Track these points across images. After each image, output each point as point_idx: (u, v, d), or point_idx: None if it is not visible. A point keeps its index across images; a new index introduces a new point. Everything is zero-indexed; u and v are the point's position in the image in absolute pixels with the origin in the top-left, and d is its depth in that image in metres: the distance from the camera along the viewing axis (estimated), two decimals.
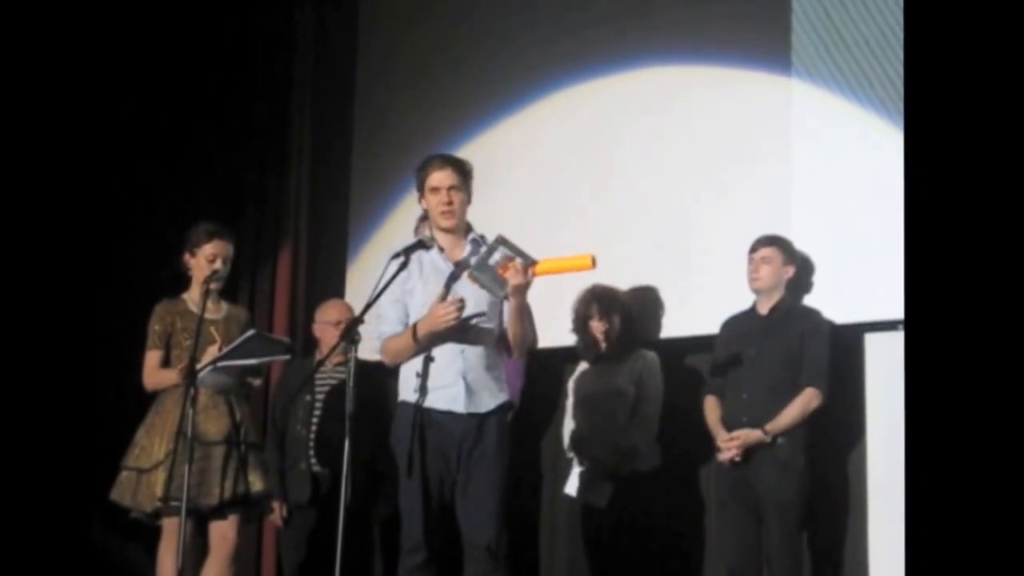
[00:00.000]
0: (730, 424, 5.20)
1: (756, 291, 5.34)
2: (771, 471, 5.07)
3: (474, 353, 4.49)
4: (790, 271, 5.32)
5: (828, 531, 5.35)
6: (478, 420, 4.48)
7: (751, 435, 5.11)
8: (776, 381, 5.15)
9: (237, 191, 7.02)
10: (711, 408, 5.33)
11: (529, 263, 4.29)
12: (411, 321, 4.52)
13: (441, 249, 4.57)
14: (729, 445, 5.13)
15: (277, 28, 7.17)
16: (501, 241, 4.32)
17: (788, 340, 5.18)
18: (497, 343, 4.55)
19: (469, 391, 4.47)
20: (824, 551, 5.36)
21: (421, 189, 4.62)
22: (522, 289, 4.34)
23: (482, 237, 4.67)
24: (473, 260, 4.35)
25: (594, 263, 4.30)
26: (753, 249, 5.31)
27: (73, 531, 6.16)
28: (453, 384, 4.46)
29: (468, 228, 4.66)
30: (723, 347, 5.38)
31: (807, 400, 5.12)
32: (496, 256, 4.31)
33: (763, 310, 5.32)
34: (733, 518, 5.20)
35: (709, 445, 5.47)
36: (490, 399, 4.53)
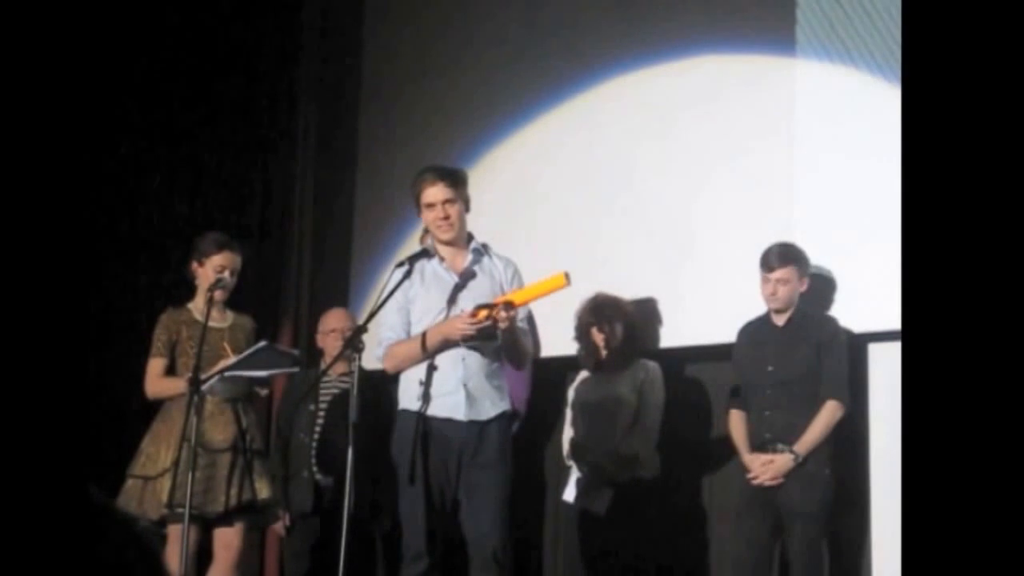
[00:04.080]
0: (755, 441, 5.19)
1: (773, 310, 5.30)
2: (795, 482, 5.06)
3: (475, 360, 4.53)
4: (804, 285, 5.26)
5: (832, 540, 5.34)
6: (479, 428, 4.51)
7: (783, 461, 5.08)
8: (796, 396, 5.13)
9: (241, 198, 7.02)
10: (737, 424, 5.29)
11: (506, 304, 4.40)
12: (413, 328, 4.55)
13: (442, 259, 4.60)
14: (762, 471, 5.11)
15: (282, 19, 7.17)
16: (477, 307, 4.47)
17: (805, 353, 5.15)
18: (498, 353, 4.59)
19: (470, 398, 4.50)
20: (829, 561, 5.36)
21: (417, 204, 4.66)
22: (510, 329, 4.44)
23: (484, 247, 4.70)
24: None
25: (568, 280, 4.41)
26: (768, 268, 5.21)
27: (78, 539, 6.14)
28: (454, 392, 4.49)
29: (469, 237, 4.69)
30: (741, 359, 5.34)
31: (830, 413, 5.09)
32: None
33: (779, 321, 5.27)
34: (747, 531, 5.18)
35: (711, 453, 5.50)
36: (491, 407, 4.56)
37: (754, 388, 5.23)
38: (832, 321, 5.27)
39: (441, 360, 4.50)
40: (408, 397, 4.55)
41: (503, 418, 4.59)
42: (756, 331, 5.33)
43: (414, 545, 4.48)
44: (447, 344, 4.46)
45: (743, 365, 5.33)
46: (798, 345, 5.19)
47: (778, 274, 5.20)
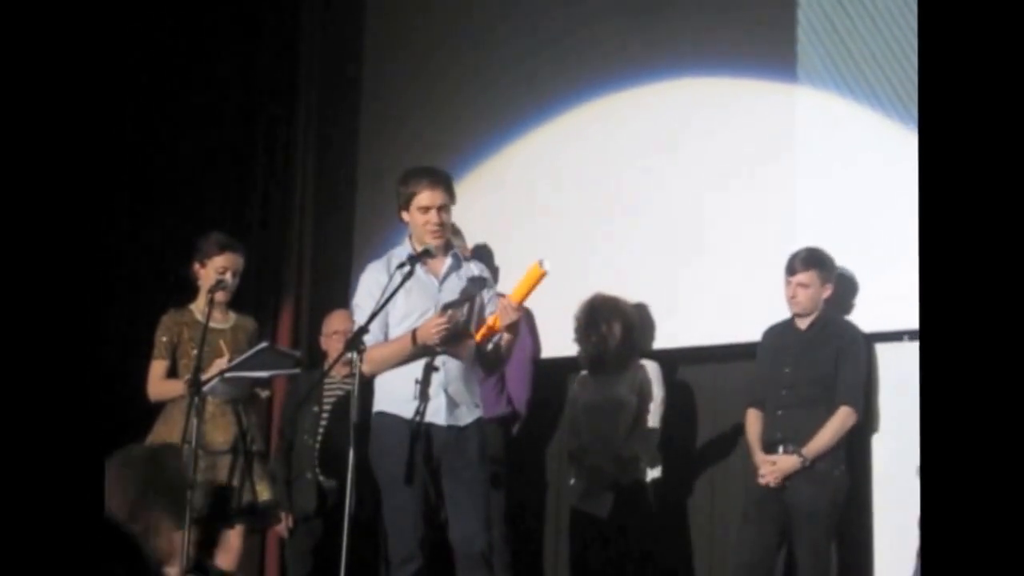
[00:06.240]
0: (765, 440, 5.21)
1: (794, 313, 5.30)
2: (805, 482, 5.07)
3: (454, 365, 4.58)
4: (828, 291, 5.24)
5: (839, 542, 5.34)
6: (457, 432, 4.55)
7: (789, 461, 5.09)
8: (810, 399, 5.14)
9: (241, 198, 7.01)
10: (752, 422, 5.30)
11: (513, 302, 4.48)
12: (391, 332, 4.58)
13: (424, 263, 4.62)
14: (768, 471, 5.12)
15: (282, 22, 7.16)
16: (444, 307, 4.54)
17: (824, 358, 5.16)
18: (472, 360, 4.62)
19: (451, 404, 4.56)
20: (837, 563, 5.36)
21: (406, 204, 4.67)
22: (517, 323, 4.53)
23: (458, 253, 4.74)
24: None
25: (541, 266, 4.46)
26: (791, 271, 5.23)
27: (80, 541, 6.15)
28: (435, 396, 4.53)
29: (448, 243, 4.73)
30: (762, 358, 5.35)
31: (842, 420, 5.10)
32: (475, 308, 4.55)
33: (802, 325, 5.27)
34: (753, 532, 5.18)
35: (713, 454, 5.50)
36: (468, 414, 4.62)
37: (770, 388, 5.25)
38: (853, 328, 5.27)
39: (421, 364, 4.52)
40: (388, 400, 4.57)
41: (479, 423, 4.65)
42: (779, 333, 5.34)
43: (404, 547, 4.50)
44: (425, 347, 4.48)
45: (763, 365, 5.33)
46: (818, 350, 5.19)
47: (799, 278, 5.21)
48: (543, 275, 4.46)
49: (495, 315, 4.53)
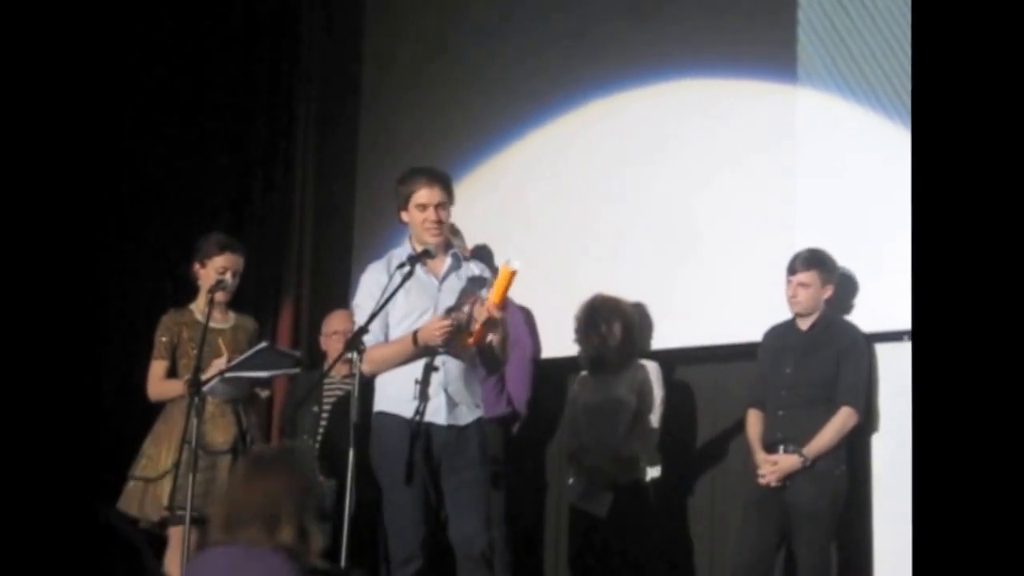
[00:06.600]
0: (766, 440, 5.21)
1: (795, 313, 5.31)
2: (805, 482, 5.08)
3: (454, 365, 4.59)
4: (828, 291, 5.26)
5: (839, 543, 5.34)
6: (457, 432, 4.56)
7: (789, 461, 5.10)
8: (811, 399, 5.15)
9: (241, 199, 7.01)
10: (753, 422, 5.31)
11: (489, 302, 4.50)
12: (392, 332, 4.59)
13: (423, 263, 4.63)
14: (768, 471, 5.13)
15: (282, 22, 7.16)
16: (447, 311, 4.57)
17: (825, 359, 5.17)
18: (473, 359, 4.63)
19: (451, 403, 4.57)
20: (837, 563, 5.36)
21: (405, 203, 4.69)
22: (496, 322, 4.50)
23: (458, 253, 4.75)
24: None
25: (509, 264, 4.48)
26: (792, 270, 5.25)
27: (79, 541, 6.14)
28: (434, 396, 4.55)
29: (448, 243, 4.74)
30: (764, 359, 5.36)
31: (843, 420, 5.11)
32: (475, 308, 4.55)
33: (803, 326, 5.28)
34: (752, 532, 5.19)
35: (713, 454, 5.49)
36: (468, 413, 4.63)
37: (771, 389, 5.25)
38: (854, 329, 5.28)
39: (421, 364, 4.53)
40: (388, 400, 4.57)
41: (479, 423, 4.66)
42: (780, 334, 5.35)
43: (405, 547, 4.51)
44: (427, 348, 4.49)
45: (764, 365, 5.35)
46: (819, 350, 5.20)
47: (799, 277, 5.23)
48: (514, 273, 4.48)
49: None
